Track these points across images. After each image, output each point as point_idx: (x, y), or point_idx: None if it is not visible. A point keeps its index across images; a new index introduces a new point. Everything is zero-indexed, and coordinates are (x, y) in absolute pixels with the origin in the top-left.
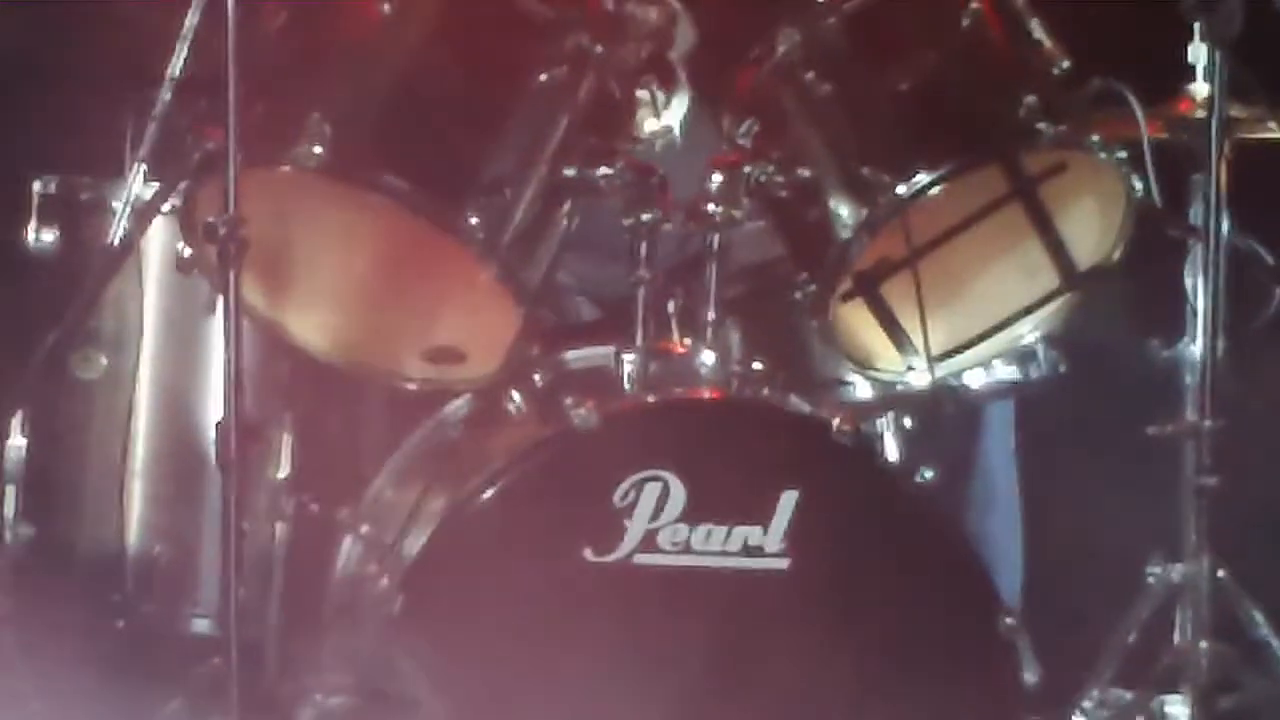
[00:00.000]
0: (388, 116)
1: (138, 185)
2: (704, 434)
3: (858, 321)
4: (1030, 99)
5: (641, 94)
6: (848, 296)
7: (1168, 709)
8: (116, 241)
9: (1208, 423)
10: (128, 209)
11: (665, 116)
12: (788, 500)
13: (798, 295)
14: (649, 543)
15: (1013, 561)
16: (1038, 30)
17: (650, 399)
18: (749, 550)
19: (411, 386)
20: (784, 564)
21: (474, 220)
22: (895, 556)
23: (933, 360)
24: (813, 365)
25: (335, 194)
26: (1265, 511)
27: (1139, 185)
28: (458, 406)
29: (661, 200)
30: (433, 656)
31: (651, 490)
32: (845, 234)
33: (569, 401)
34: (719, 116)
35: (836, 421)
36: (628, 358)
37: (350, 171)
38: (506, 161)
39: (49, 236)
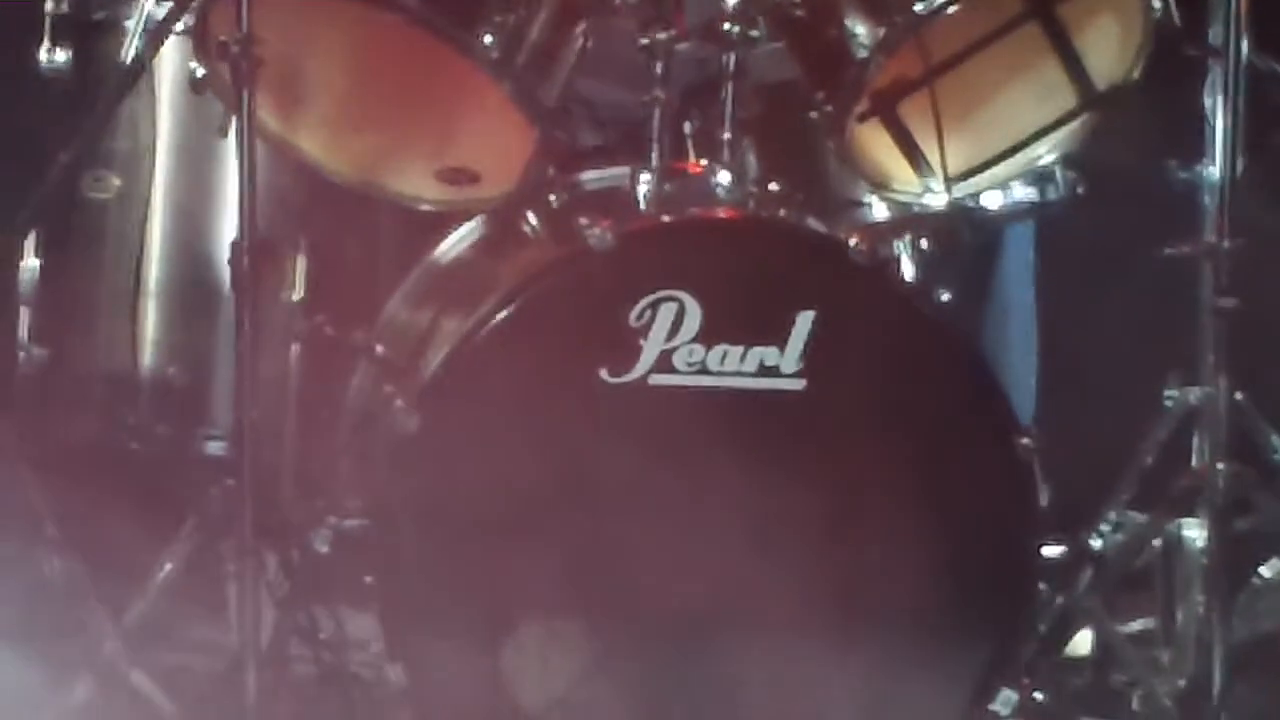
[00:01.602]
0: None
1: (150, 4)
2: (720, 254)
3: (875, 142)
4: None
5: None
6: (864, 116)
7: (1184, 531)
8: (129, 61)
9: (1225, 243)
10: (140, 28)
11: None
12: (804, 321)
13: (814, 115)
14: (664, 363)
15: (1027, 383)
16: None
17: (666, 219)
18: (765, 370)
19: (426, 207)
20: (800, 384)
21: (488, 39)
22: (911, 377)
23: (950, 181)
24: (829, 186)
25: (349, 12)
26: None
27: (1158, 4)
28: (472, 227)
29: (677, 20)
30: (448, 476)
31: (667, 310)
32: (862, 53)
33: (584, 222)
34: None
35: (853, 242)
36: (643, 178)
37: None
38: None
39: (61, 56)
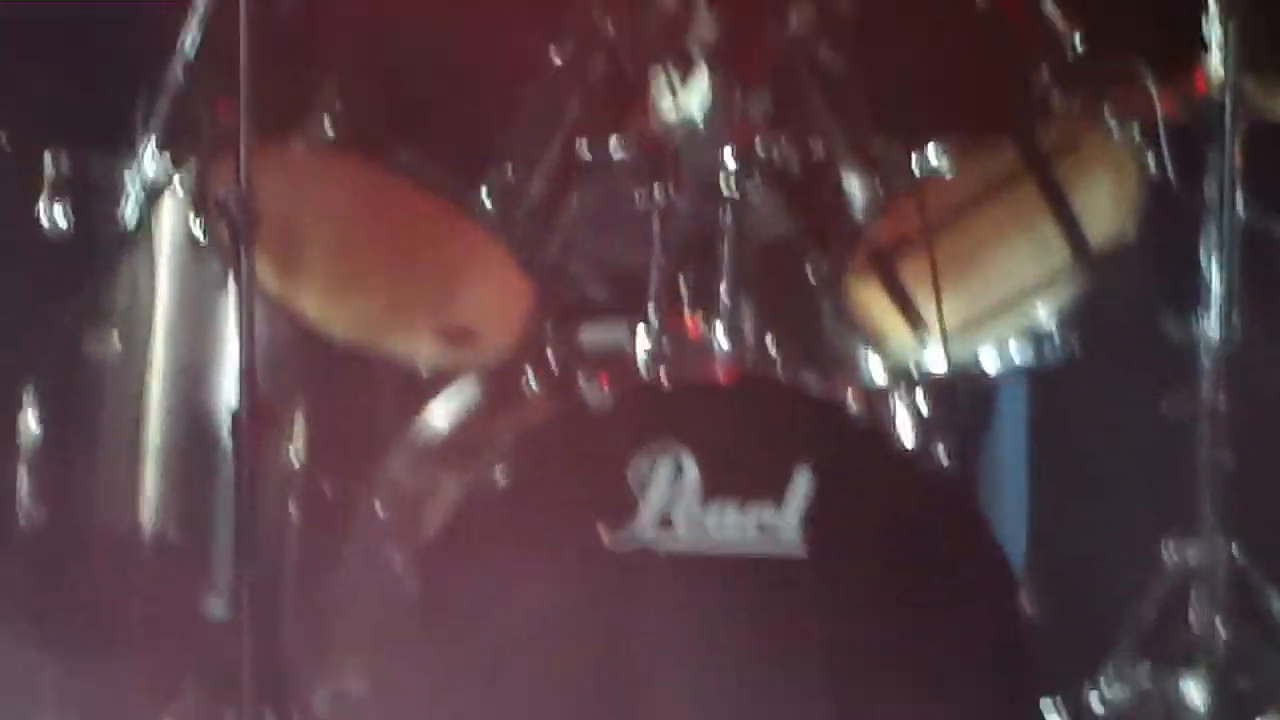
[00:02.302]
0: (401, 92)
1: (150, 162)
2: (717, 412)
3: (871, 299)
4: (1044, 73)
5: (658, 75)
6: (861, 273)
7: (1184, 689)
8: (129, 219)
9: (1222, 400)
10: (140, 186)
11: (683, 99)
12: (802, 479)
13: (811, 272)
14: (663, 521)
15: (1018, 540)
16: (1051, 5)
17: (664, 378)
18: (763, 528)
19: (424, 366)
20: (798, 542)
21: (487, 197)
22: (909, 536)
23: (947, 339)
24: (827, 343)
25: (347, 169)
26: None
27: (1153, 161)
28: (470, 385)
29: (676, 178)
30: (448, 638)
31: (665, 468)
32: (858, 211)
33: (582, 380)
34: (731, 90)
35: (850, 400)
36: (641, 335)
37: (362, 147)
38: (520, 138)
39: (60, 214)
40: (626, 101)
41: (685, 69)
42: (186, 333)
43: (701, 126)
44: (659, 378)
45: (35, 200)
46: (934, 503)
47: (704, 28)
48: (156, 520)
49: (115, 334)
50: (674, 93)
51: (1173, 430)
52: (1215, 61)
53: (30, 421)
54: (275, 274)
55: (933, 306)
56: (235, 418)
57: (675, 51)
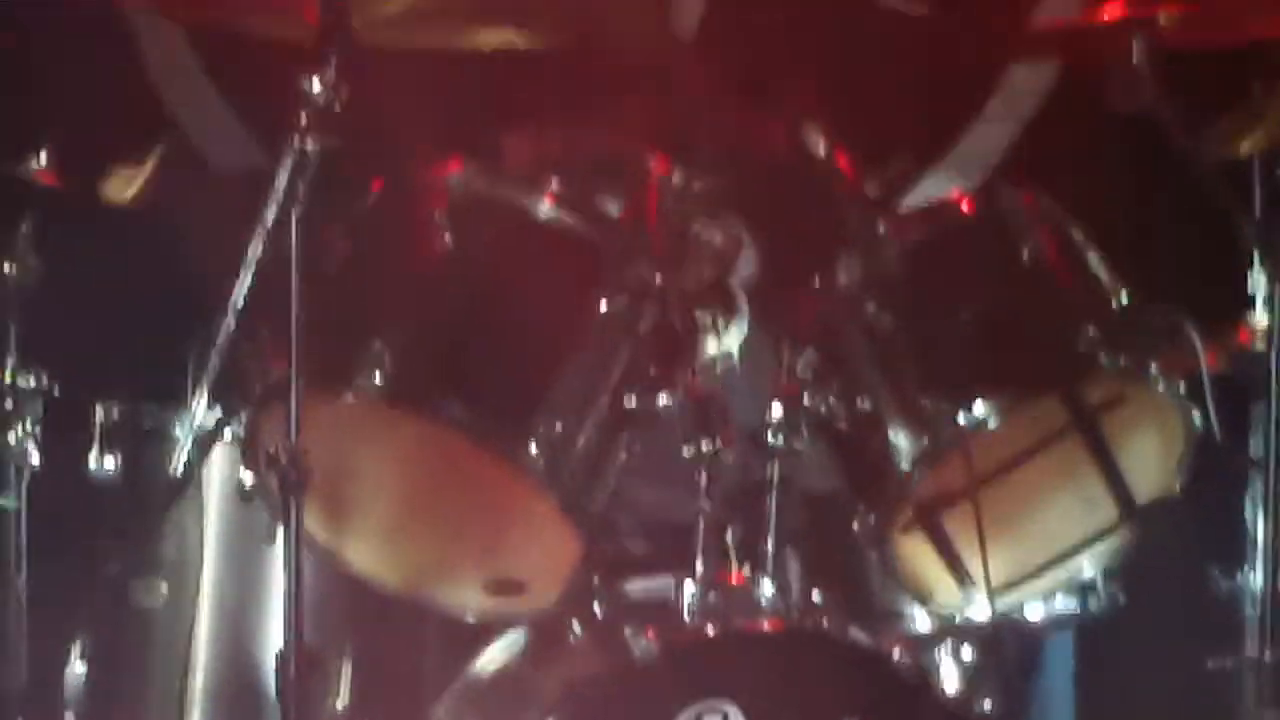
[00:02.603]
0: (449, 345)
1: (200, 413)
2: (764, 665)
3: (917, 553)
4: (1090, 331)
5: (702, 319)
6: (907, 528)
7: None
8: (178, 469)
9: (1268, 655)
10: (190, 437)
11: (724, 341)
12: None
13: (857, 526)
14: None
15: None
16: (1097, 261)
17: (710, 630)
18: None
19: (471, 618)
20: None
21: (535, 449)
22: None
23: (992, 593)
24: (872, 596)
25: (396, 422)
26: None
27: (1199, 417)
28: (517, 636)
29: (722, 430)
30: None
31: None
32: (905, 465)
33: (629, 632)
34: (777, 343)
35: (896, 653)
36: (687, 588)
37: (411, 400)
38: (568, 390)
39: (111, 463)
40: (675, 352)
41: (728, 311)
42: (234, 582)
43: (739, 367)
44: (705, 630)
45: (85, 449)
46: None
47: (746, 266)
48: None
49: (163, 584)
50: (717, 335)
51: (1218, 684)
52: (1260, 316)
53: (77, 671)
54: (323, 523)
55: (978, 560)
56: (282, 665)
57: (719, 293)
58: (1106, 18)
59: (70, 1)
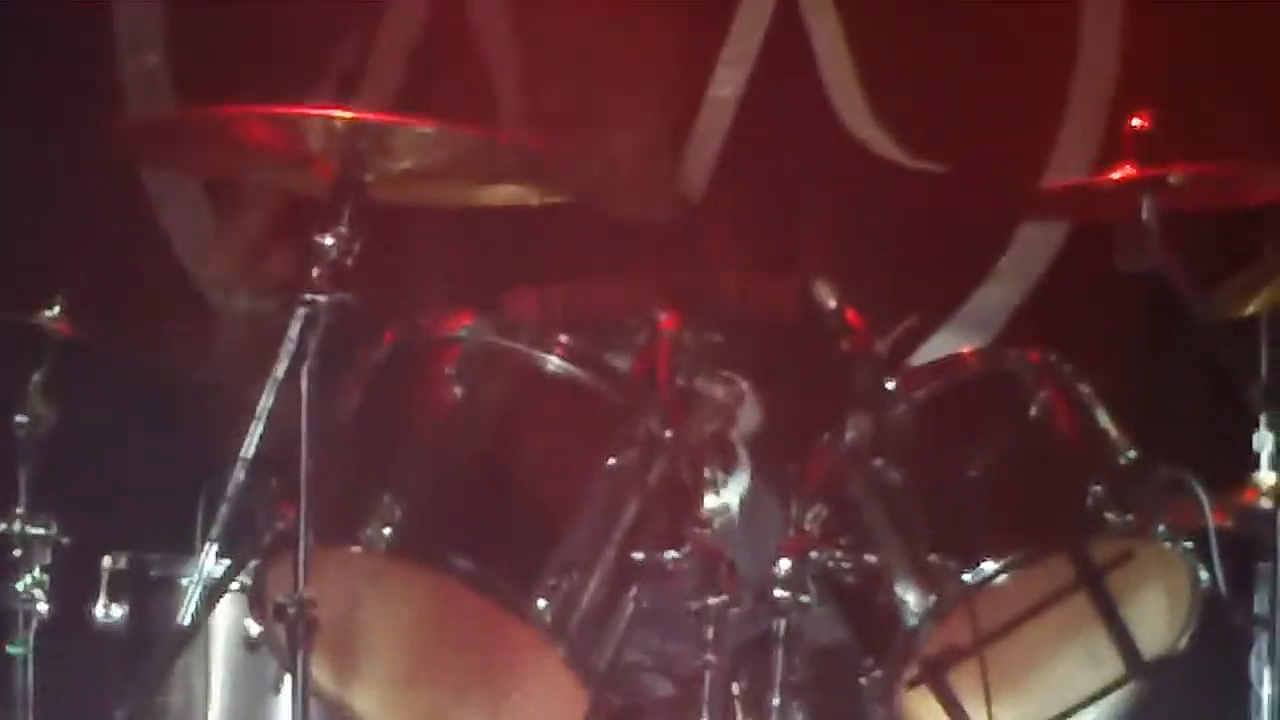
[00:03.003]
0: (458, 497)
1: (208, 563)
2: None
3: (923, 708)
4: (1097, 488)
5: (706, 473)
6: (914, 683)
7: None
8: (186, 618)
9: None
10: (198, 586)
11: (724, 494)
12: None
13: (864, 681)
14: None
15: None
16: (1104, 418)
17: None
18: None
19: None
20: None
21: (542, 602)
22: None
23: None
24: None
25: (405, 573)
26: None
27: (1205, 574)
28: None
29: (729, 584)
30: None
31: None
32: (912, 620)
33: None
34: (784, 497)
35: None
36: None
37: (420, 552)
38: (576, 543)
39: (118, 612)
40: (682, 506)
41: (730, 465)
42: None
43: (739, 520)
44: None
45: (93, 597)
46: None
47: (749, 420)
48: None
49: None
50: (717, 489)
51: None
52: (1266, 474)
53: None
54: (331, 674)
55: (984, 716)
56: None
57: (721, 447)
58: (1116, 178)
59: (86, 153)
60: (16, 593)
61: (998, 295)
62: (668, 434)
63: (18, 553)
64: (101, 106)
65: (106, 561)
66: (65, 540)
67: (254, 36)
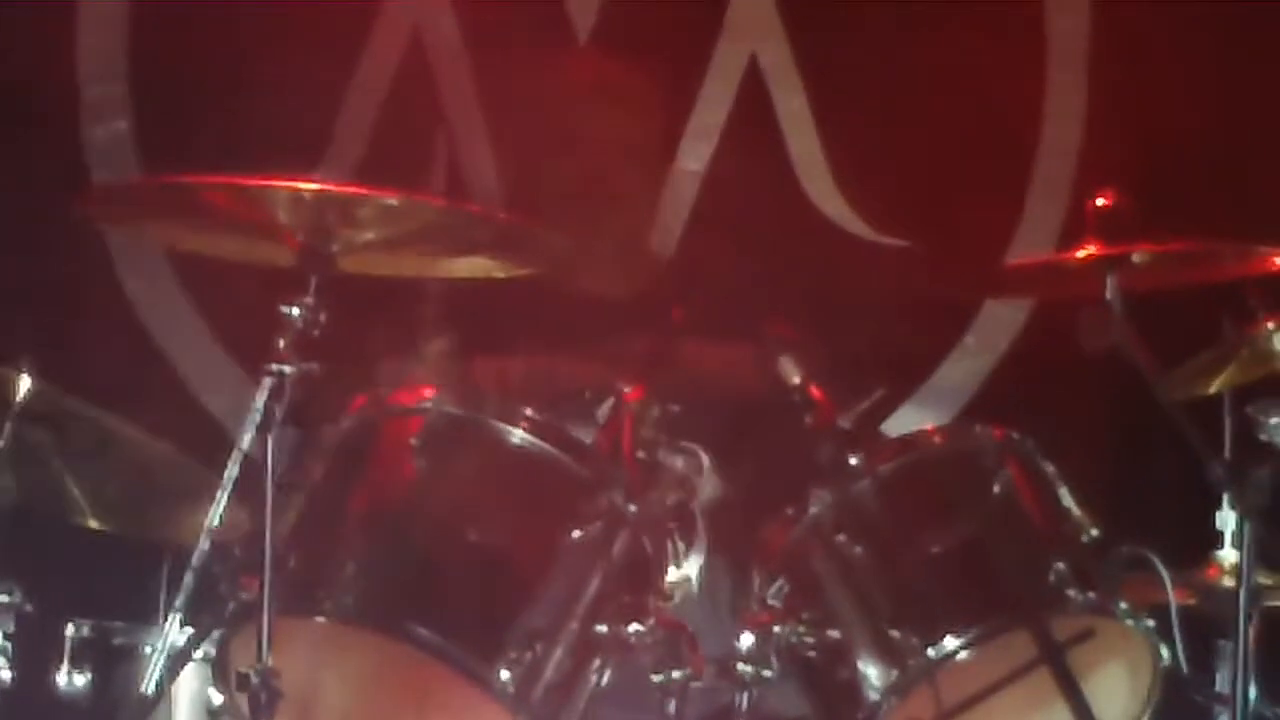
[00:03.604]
0: (421, 568)
1: (172, 632)
2: None
3: None
4: (1060, 565)
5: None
6: None
7: None
8: (148, 688)
9: None
10: (162, 655)
11: (685, 566)
12: None
13: None
14: None
15: None
16: (1067, 496)
17: None
18: None
19: None
20: None
21: (505, 674)
22: None
23: None
24: None
25: (367, 643)
26: None
27: (1167, 651)
28: None
29: (692, 658)
30: None
31: None
32: (874, 695)
33: None
34: (746, 571)
35: None
36: None
37: (382, 622)
38: (539, 616)
39: (81, 680)
40: (646, 579)
41: (689, 537)
42: None
43: (698, 593)
44: None
45: (56, 665)
46: None
47: (708, 491)
48: None
49: None
50: (677, 561)
51: None
52: (1229, 552)
53: None
54: None
55: None
56: None
57: (683, 524)
58: (1081, 256)
59: (52, 218)
60: None
61: (963, 370)
62: (631, 508)
63: None
64: (68, 172)
65: (70, 629)
66: (28, 608)
67: (220, 104)
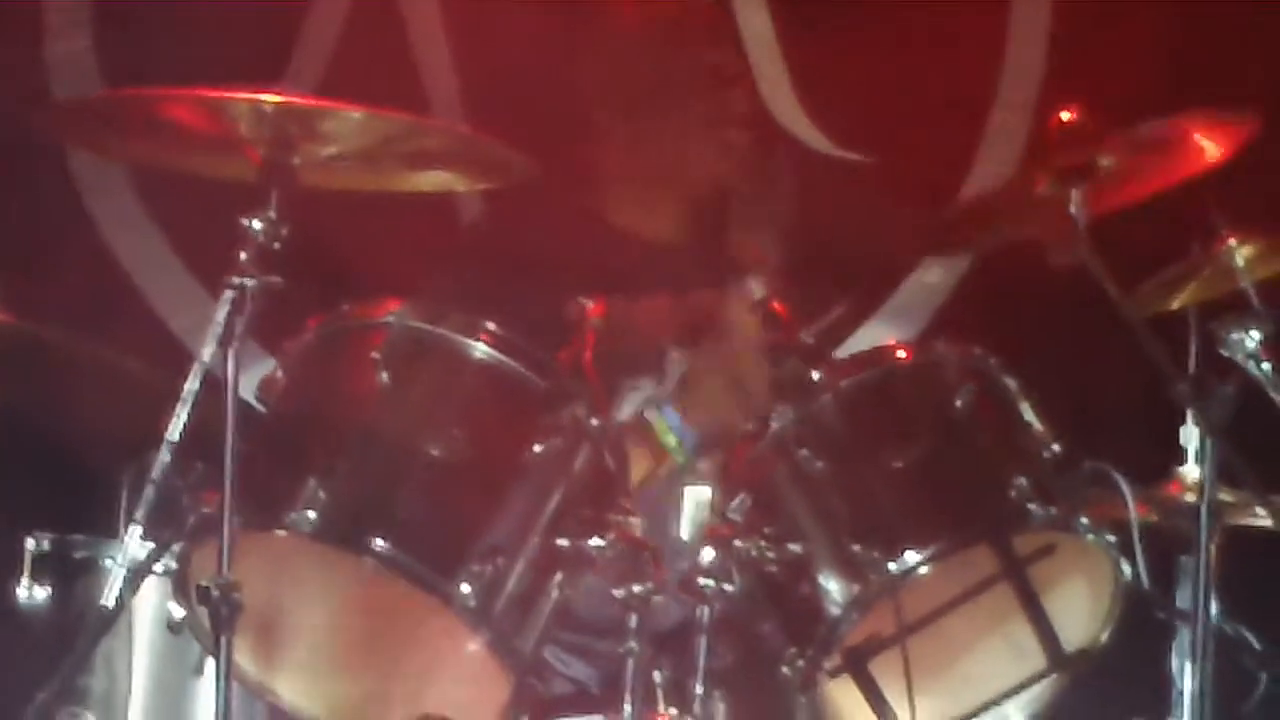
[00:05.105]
0: (383, 482)
1: (133, 545)
2: None
3: (845, 697)
4: (1021, 480)
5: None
6: (835, 672)
7: None
8: (109, 601)
9: None
10: (122, 569)
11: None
12: None
13: (786, 670)
14: None
15: None
16: (1030, 412)
17: None
18: None
19: None
20: None
21: (466, 588)
22: None
23: None
24: None
25: (328, 558)
26: None
27: (1128, 567)
28: None
29: (656, 574)
30: None
31: None
32: (835, 610)
33: None
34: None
35: None
36: None
37: (343, 536)
38: (500, 530)
39: (41, 593)
40: (607, 493)
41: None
42: (162, 714)
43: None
44: None
45: (15, 579)
46: None
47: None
48: None
49: (90, 715)
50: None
51: None
52: (1191, 469)
53: None
54: (254, 658)
55: (906, 706)
56: None
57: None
58: (1044, 169)
59: (15, 138)
60: None
61: (926, 286)
62: (593, 422)
63: None
64: (29, 91)
65: (30, 543)
66: None
67: (182, 20)
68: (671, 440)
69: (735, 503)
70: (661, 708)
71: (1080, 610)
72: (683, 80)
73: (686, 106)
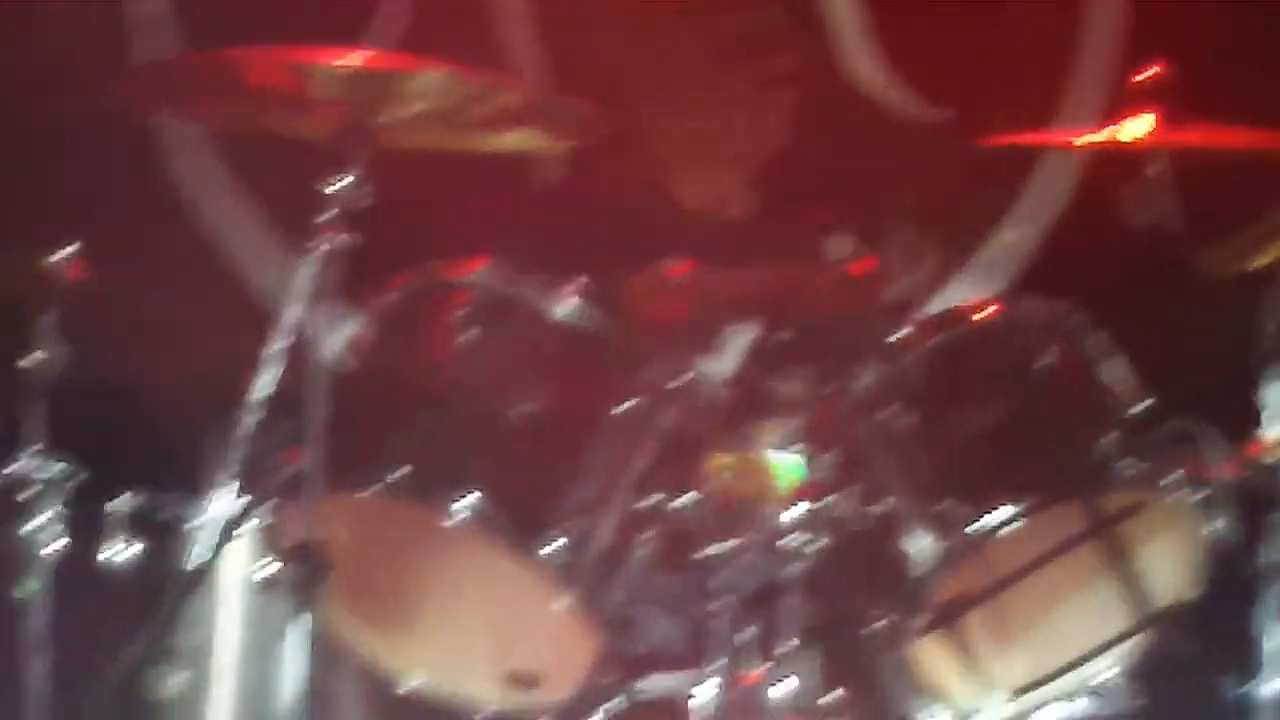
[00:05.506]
0: (468, 443)
1: (221, 504)
2: None
3: (934, 655)
4: (1107, 439)
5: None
6: (925, 630)
7: None
8: (195, 560)
9: None
10: (210, 528)
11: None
12: None
13: (874, 627)
14: None
15: None
16: (1116, 370)
17: None
18: None
19: (487, 710)
20: None
21: (552, 548)
22: None
23: (1011, 695)
24: (890, 696)
25: (416, 516)
26: None
27: (1215, 525)
28: None
29: (739, 530)
30: None
31: None
32: (923, 568)
33: None
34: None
35: None
36: (703, 687)
37: (429, 496)
38: (586, 490)
39: (130, 553)
40: (693, 453)
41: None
42: (250, 673)
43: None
44: None
45: (105, 538)
46: None
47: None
48: None
49: (179, 674)
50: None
51: None
52: (1273, 429)
53: None
54: (342, 616)
55: (996, 663)
56: None
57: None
58: (1131, 133)
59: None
60: (30, 534)
61: (1009, 245)
62: (675, 383)
63: (31, 493)
64: (109, 51)
65: (118, 503)
66: (77, 481)
67: None
68: (781, 485)
69: (823, 461)
70: (750, 666)
71: (1169, 567)
72: (725, 47)
73: (731, 72)
